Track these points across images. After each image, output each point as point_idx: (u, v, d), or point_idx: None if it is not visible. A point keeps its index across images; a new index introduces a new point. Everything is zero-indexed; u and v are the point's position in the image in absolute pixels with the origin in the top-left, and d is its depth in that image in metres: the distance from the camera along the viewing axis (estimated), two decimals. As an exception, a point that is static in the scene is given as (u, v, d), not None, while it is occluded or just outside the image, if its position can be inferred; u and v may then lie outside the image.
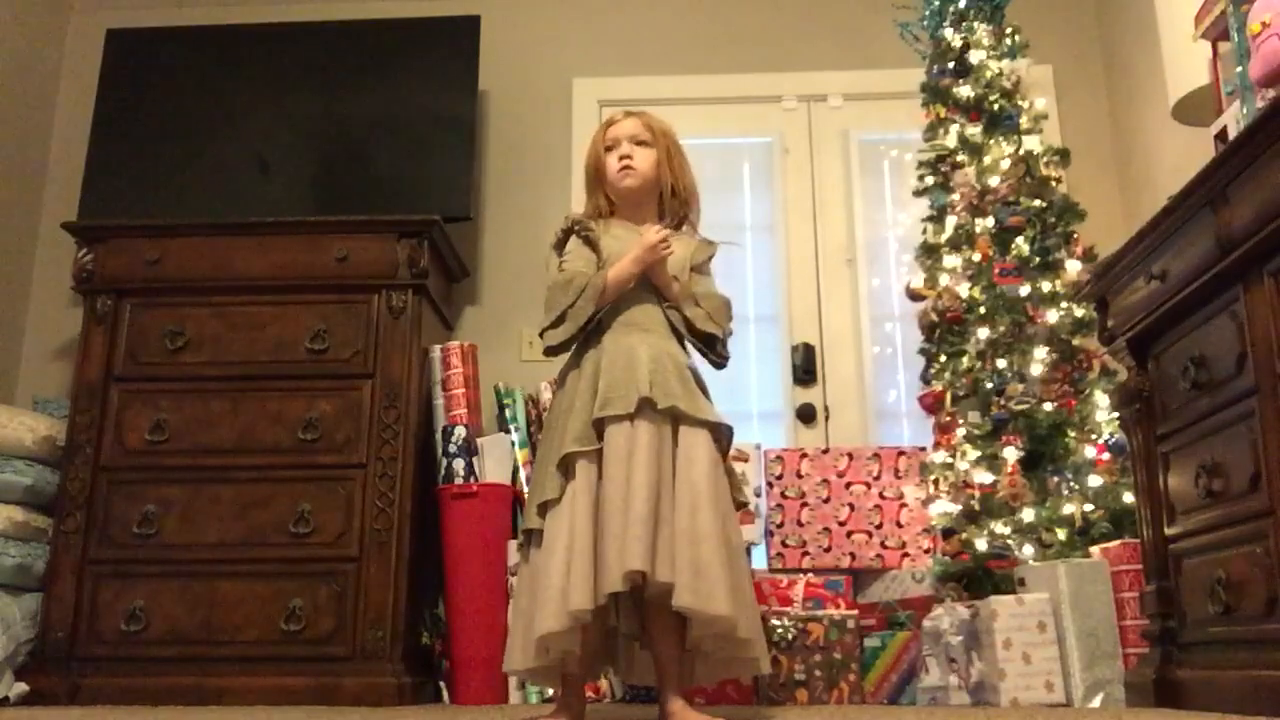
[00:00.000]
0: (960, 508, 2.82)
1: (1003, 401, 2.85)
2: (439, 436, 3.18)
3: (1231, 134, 2.22)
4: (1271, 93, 1.98)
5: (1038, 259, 2.99)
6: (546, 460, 1.99)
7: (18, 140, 3.77)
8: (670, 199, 2.21)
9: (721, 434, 2.04)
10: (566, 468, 1.94)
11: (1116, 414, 2.49)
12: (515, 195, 3.86)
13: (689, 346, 2.15)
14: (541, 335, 2.10)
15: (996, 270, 2.98)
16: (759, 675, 2.48)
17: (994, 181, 3.05)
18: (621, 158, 2.16)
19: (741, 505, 2.09)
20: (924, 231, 3.21)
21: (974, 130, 3.13)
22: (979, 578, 2.73)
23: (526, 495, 2.16)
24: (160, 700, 2.79)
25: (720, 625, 1.87)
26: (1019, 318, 2.92)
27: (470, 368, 3.28)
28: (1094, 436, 2.80)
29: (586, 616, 1.84)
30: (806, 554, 3.09)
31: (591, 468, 1.93)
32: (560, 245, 2.18)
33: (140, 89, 3.74)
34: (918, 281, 3.18)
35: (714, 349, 2.15)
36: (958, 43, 3.23)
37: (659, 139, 2.19)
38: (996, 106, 3.14)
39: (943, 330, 3.04)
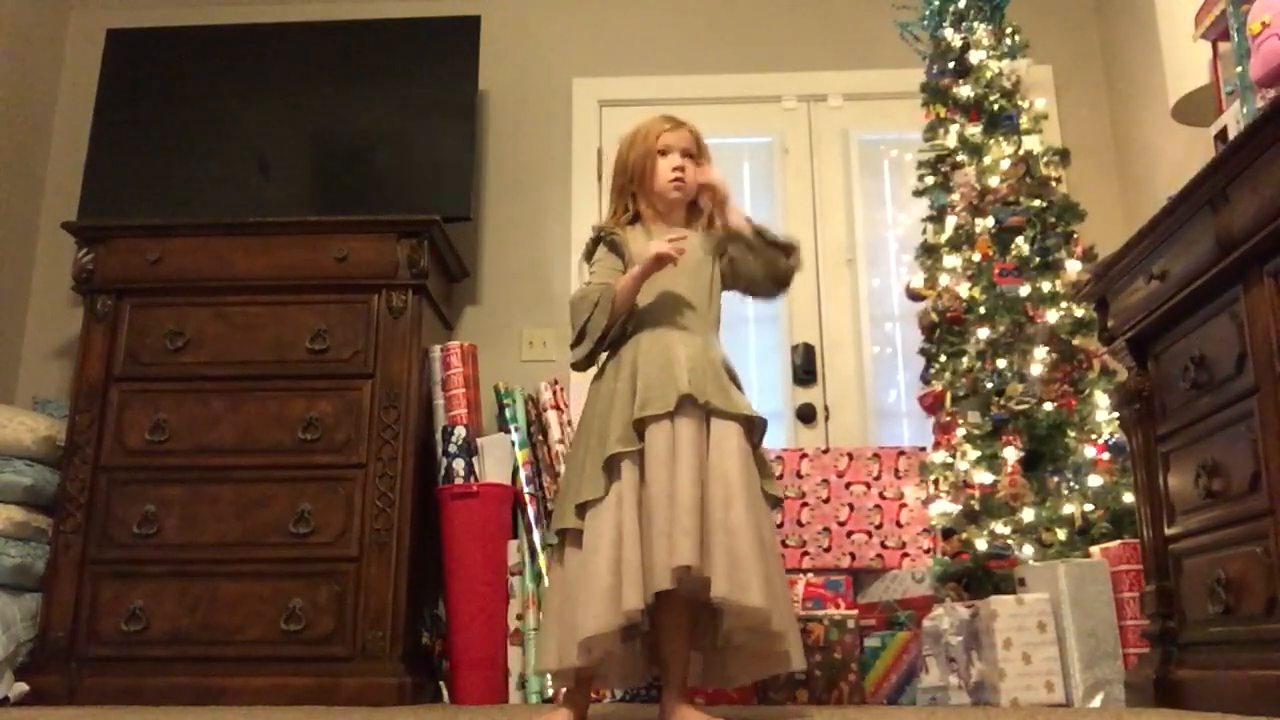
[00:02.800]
0: (960, 508, 2.81)
1: (1003, 401, 2.85)
2: (439, 436, 3.18)
3: (1231, 134, 2.22)
4: (1271, 93, 1.98)
5: (1038, 259, 2.99)
6: (585, 460, 1.99)
7: (18, 140, 3.77)
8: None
9: (755, 427, 2.04)
10: (611, 468, 1.94)
11: (1116, 414, 2.49)
12: (515, 195, 3.86)
13: (723, 344, 2.16)
14: (572, 351, 2.13)
15: (996, 270, 2.97)
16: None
17: (994, 181, 3.04)
18: (675, 168, 2.18)
19: (776, 503, 2.09)
20: (924, 231, 3.21)
21: (974, 130, 3.13)
22: (979, 578, 2.73)
23: (558, 495, 2.15)
24: (160, 700, 2.80)
25: (753, 617, 1.87)
26: (1019, 318, 2.92)
27: (470, 368, 3.29)
28: (1094, 436, 2.80)
29: (638, 615, 1.84)
30: (806, 554, 3.09)
31: (634, 468, 1.94)
32: (589, 254, 2.21)
33: (140, 89, 3.74)
34: (918, 281, 3.18)
35: (789, 257, 2.17)
36: (958, 43, 3.23)
37: (703, 152, 2.23)
38: (996, 106, 3.13)
39: (943, 330, 3.04)
